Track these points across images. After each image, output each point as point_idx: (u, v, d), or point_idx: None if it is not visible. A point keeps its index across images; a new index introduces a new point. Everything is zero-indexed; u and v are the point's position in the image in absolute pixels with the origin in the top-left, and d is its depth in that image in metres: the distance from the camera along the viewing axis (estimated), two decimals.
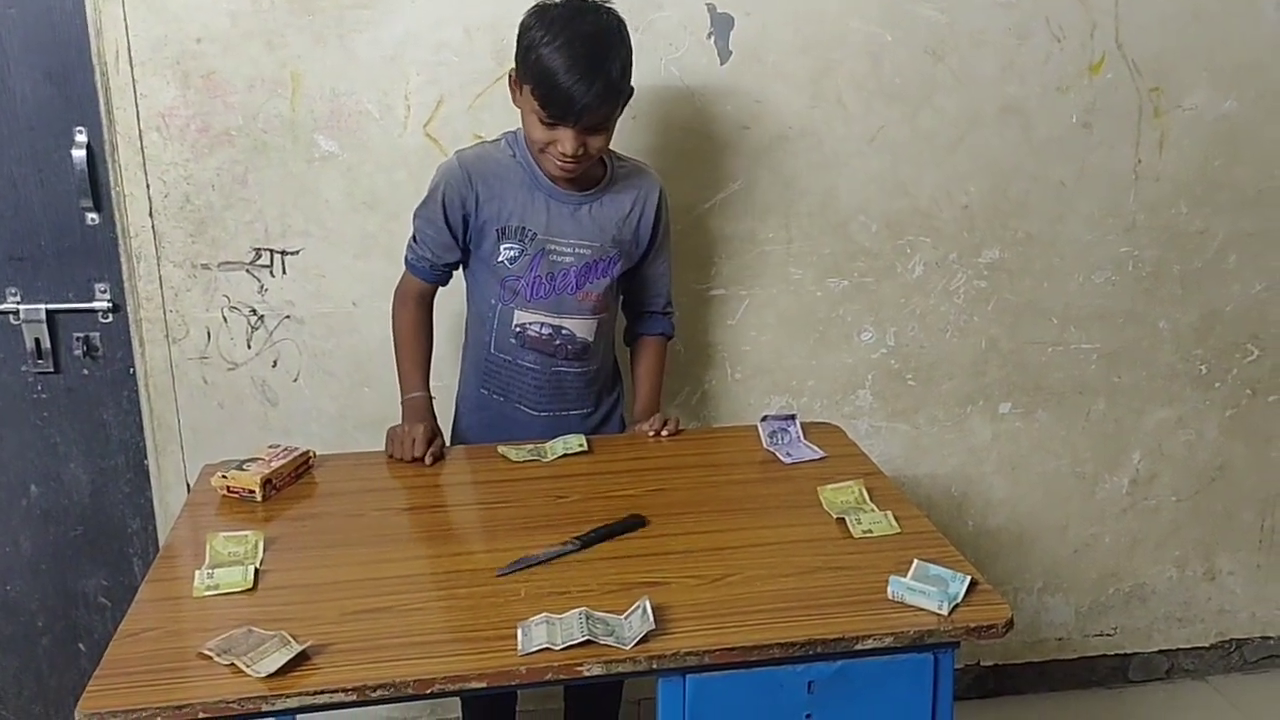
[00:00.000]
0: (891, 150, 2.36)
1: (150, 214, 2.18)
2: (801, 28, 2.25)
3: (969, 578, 1.51)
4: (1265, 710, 2.83)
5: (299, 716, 1.35)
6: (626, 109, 1.99)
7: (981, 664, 2.81)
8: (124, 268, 2.23)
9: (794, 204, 2.36)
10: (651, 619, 1.39)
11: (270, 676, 1.31)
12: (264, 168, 2.18)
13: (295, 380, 2.31)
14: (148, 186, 2.16)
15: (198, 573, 1.54)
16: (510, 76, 1.86)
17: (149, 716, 1.28)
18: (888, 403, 2.55)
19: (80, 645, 2.49)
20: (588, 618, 1.40)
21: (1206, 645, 2.92)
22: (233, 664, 1.33)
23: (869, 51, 2.29)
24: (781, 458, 1.96)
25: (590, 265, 1.99)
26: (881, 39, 2.28)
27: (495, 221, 1.95)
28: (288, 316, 2.27)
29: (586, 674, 1.36)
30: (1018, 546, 2.73)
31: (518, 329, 2.01)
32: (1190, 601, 2.87)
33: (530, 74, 1.78)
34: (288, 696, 1.30)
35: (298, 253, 2.24)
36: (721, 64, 2.25)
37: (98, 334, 2.30)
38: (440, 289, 2.08)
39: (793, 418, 2.04)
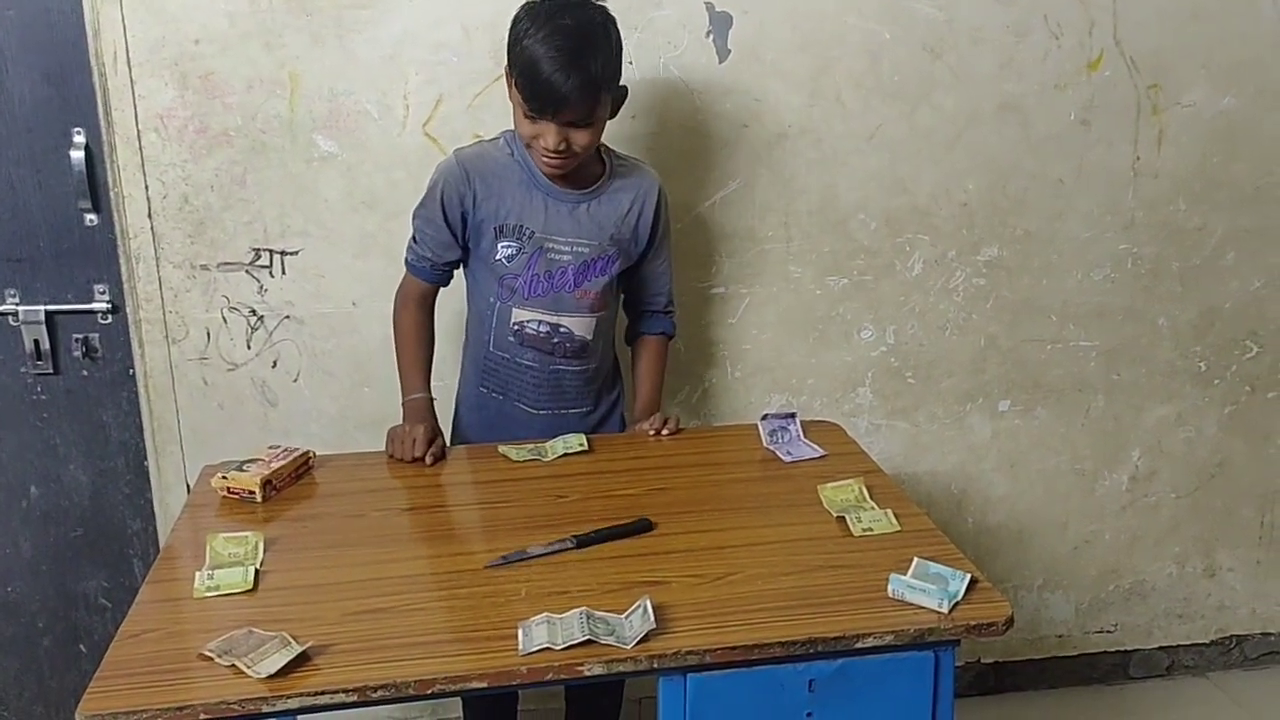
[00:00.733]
0: (890, 148, 2.36)
1: (149, 215, 2.18)
2: (800, 26, 2.25)
3: (969, 575, 1.51)
4: (1266, 706, 2.83)
5: (300, 717, 1.35)
6: (625, 109, 2.00)
7: (982, 661, 2.81)
8: (123, 269, 2.23)
9: (793, 202, 2.36)
10: (652, 618, 1.39)
11: (271, 677, 1.31)
12: (263, 168, 2.18)
13: (295, 381, 2.31)
14: (146, 187, 2.16)
15: (198, 574, 1.54)
16: (505, 72, 1.88)
17: (150, 718, 1.28)
18: (887, 401, 2.55)
19: (81, 646, 2.49)
20: (588, 617, 1.40)
21: (1207, 642, 2.93)
22: (233, 665, 1.33)
23: (867, 49, 2.29)
24: (782, 456, 1.96)
25: (589, 263, 2.00)
26: (880, 36, 2.28)
27: (493, 220, 1.95)
28: (287, 317, 2.27)
29: (587, 674, 1.36)
30: (1018, 544, 2.74)
31: (516, 327, 2.02)
32: (1190, 598, 2.87)
33: (515, 66, 1.81)
34: (288, 697, 1.30)
35: (297, 253, 2.24)
36: (720, 62, 2.25)
37: (97, 335, 2.30)
38: (441, 289, 2.08)
39: (793, 416, 2.04)
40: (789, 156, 2.33)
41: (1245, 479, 2.78)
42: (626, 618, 1.42)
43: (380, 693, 1.32)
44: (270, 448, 1.91)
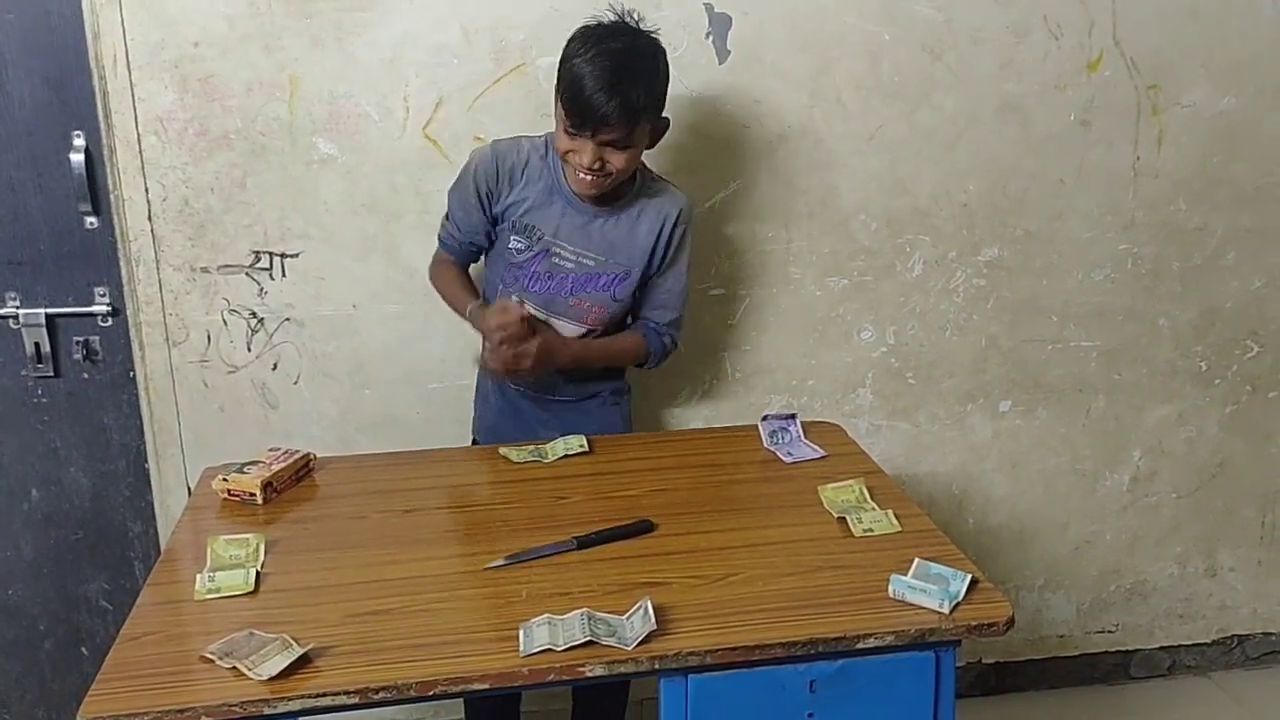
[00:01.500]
0: (890, 149, 2.36)
1: (149, 217, 2.18)
2: (799, 27, 2.25)
3: (970, 576, 1.51)
4: (1267, 705, 2.83)
5: (301, 719, 1.35)
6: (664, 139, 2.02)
7: (983, 661, 2.81)
8: (123, 271, 2.23)
9: (793, 203, 2.36)
10: (653, 619, 1.39)
11: (272, 679, 1.31)
12: (263, 171, 2.18)
13: (295, 383, 2.31)
14: (146, 190, 2.16)
15: (199, 576, 1.55)
16: (555, 89, 1.89)
17: None
18: (888, 401, 2.55)
19: (82, 649, 2.49)
20: (589, 618, 1.40)
21: (1208, 641, 2.93)
22: (235, 667, 1.33)
23: (867, 50, 2.29)
24: (782, 457, 1.96)
25: (590, 276, 2.02)
26: (880, 37, 2.28)
27: (512, 214, 2.01)
28: (288, 319, 2.27)
29: (589, 675, 1.36)
30: (1018, 544, 2.74)
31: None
32: (1191, 598, 2.87)
33: (562, 83, 1.84)
34: (290, 699, 1.30)
35: (297, 255, 2.24)
36: (720, 64, 2.25)
37: (97, 338, 2.30)
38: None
39: (793, 417, 2.05)
40: (789, 157, 2.33)
41: (1246, 479, 2.78)
42: (628, 619, 1.42)
43: (382, 694, 1.32)
44: (271, 450, 1.91)
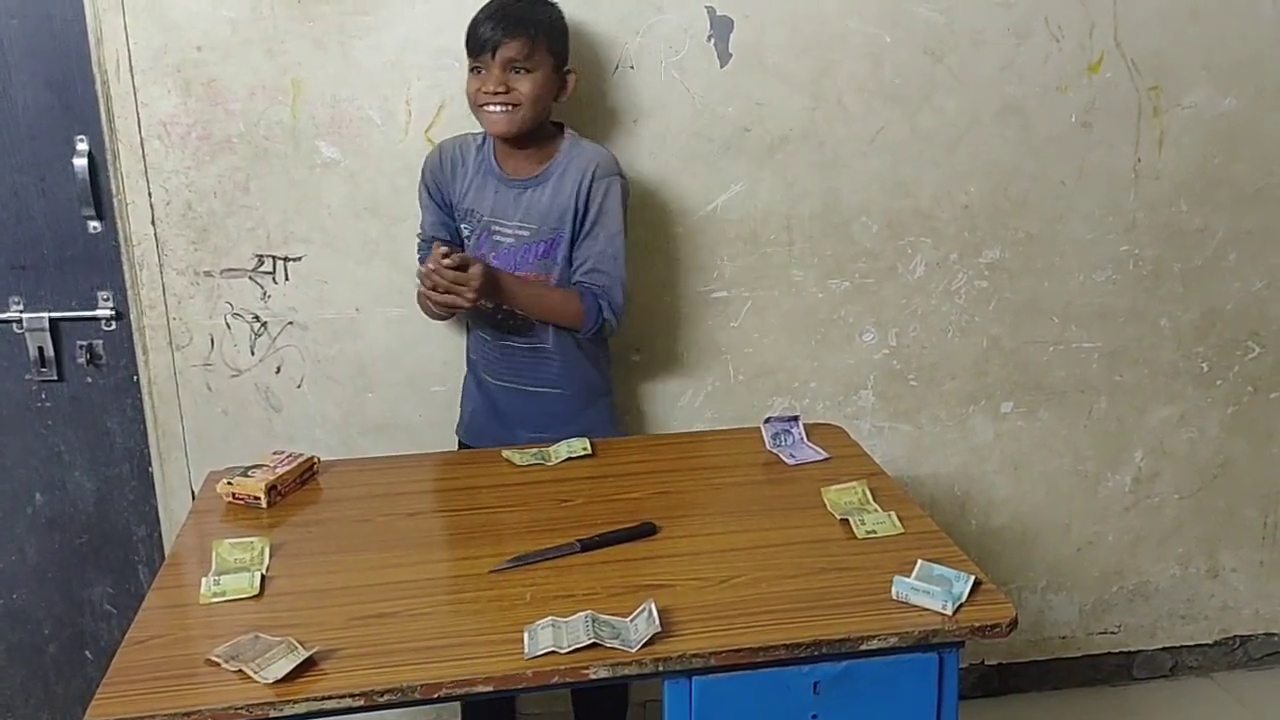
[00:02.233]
0: (892, 151, 2.36)
1: (152, 221, 2.18)
2: (801, 29, 2.26)
3: (973, 577, 1.51)
4: (1270, 706, 2.83)
5: None
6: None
7: (986, 663, 2.81)
8: (126, 275, 2.24)
9: (795, 205, 2.37)
10: (657, 621, 1.39)
11: (278, 682, 1.31)
12: (266, 174, 2.18)
13: (299, 386, 2.32)
14: (149, 194, 2.17)
15: (204, 579, 1.55)
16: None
17: None
18: (890, 403, 2.55)
19: (87, 653, 2.50)
20: (593, 621, 1.40)
21: (1210, 642, 2.93)
22: (240, 670, 1.33)
23: (868, 52, 2.29)
24: (785, 459, 1.96)
25: (527, 247, 2.05)
26: (881, 40, 2.29)
27: (459, 203, 2.09)
28: (291, 323, 2.28)
29: (593, 677, 1.37)
30: (1021, 545, 2.74)
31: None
32: (1194, 599, 2.87)
33: (466, 38, 1.97)
34: (295, 702, 1.31)
35: (300, 259, 2.24)
36: (722, 66, 2.25)
37: (101, 342, 2.30)
38: None
39: (795, 419, 2.05)
40: (791, 160, 2.33)
41: (1248, 479, 2.78)
42: (631, 621, 1.42)
43: (386, 697, 1.33)
44: (275, 453, 1.92)
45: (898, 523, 1.70)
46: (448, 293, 1.91)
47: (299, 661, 1.34)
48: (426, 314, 2.09)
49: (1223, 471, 2.76)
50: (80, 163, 2.18)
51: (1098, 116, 2.41)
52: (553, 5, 2.03)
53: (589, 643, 1.37)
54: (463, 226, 2.10)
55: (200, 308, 2.24)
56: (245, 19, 2.10)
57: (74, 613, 2.46)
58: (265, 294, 2.25)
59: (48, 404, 2.32)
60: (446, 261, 1.88)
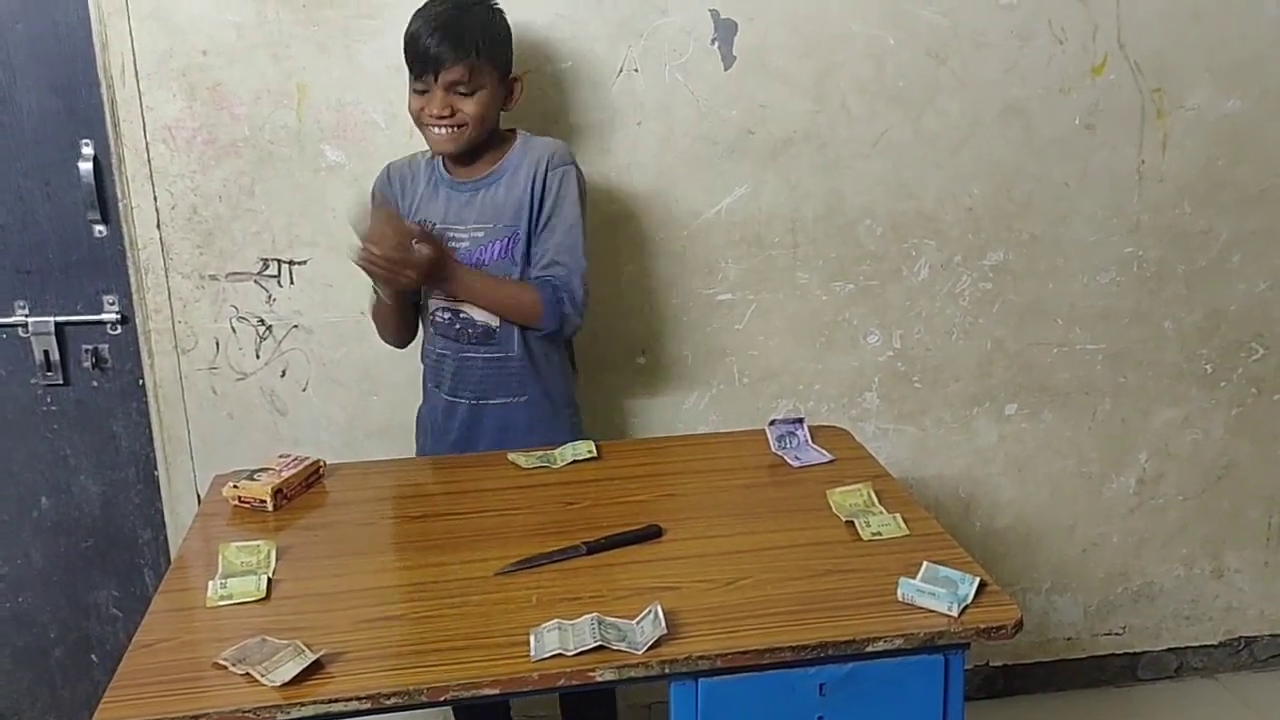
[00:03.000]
0: (895, 153, 2.37)
1: (158, 225, 2.19)
2: (804, 32, 2.26)
3: (978, 579, 1.51)
4: (1275, 707, 2.83)
5: None
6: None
7: (991, 664, 2.81)
8: (132, 279, 2.24)
9: (799, 208, 2.37)
10: (663, 623, 1.39)
11: (285, 685, 1.32)
12: (271, 178, 2.19)
13: (304, 390, 2.32)
14: (155, 198, 2.17)
15: (211, 583, 1.55)
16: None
17: None
18: (894, 405, 2.55)
19: (92, 656, 2.50)
20: (599, 623, 1.40)
21: (1215, 643, 2.92)
22: (247, 673, 1.34)
23: (871, 55, 2.30)
24: (790, 461, 1.96)
25: (484, 247, 1.99)
26: (884, 42, 2.29)
27: (408, 217, 2.00)
28: (296, 326, 2.28)
29: (599, 679, 1.37)
30: (1025, 547, 2.74)
31: (432, 316, 2.04)
32: (1198, 600, 2.87)
33: (404, 49, 1.91)
34: (302, 705, 1.31)
35: (305, 262, 2.25)
36: (726, 69, 2.26)
37: (106, 346, 2.31)
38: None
39: (800, 421, 2.05)
40: (795, 162, 2.34)
41: (1252, 481, 2.78)
42: (638, 623, 1.42)
43: (394, 700, 1.33)
44: (280, 456, 1.92)
45: (903, 525, 1.70)
46: (389, 271, 1.84)
47: (306, 664, 1.34)
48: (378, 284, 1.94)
49: (1227, 473, 2.76)
50: (85, 167, 2.18)
51: (1101, 118, 2.42)
52: (494, 10, 1.96)
53: (595, 645, 1.37)
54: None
55: (205, 311, 2.25)
56: (250, 23, 2.10)
57: (80, 616, 2.47)
58: (270, 297, 2.26)
59: (53, 408, 2.33)
60: (413, 228, 1.87)
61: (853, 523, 1.70)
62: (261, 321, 2.27)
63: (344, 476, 1.95)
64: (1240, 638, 2.93)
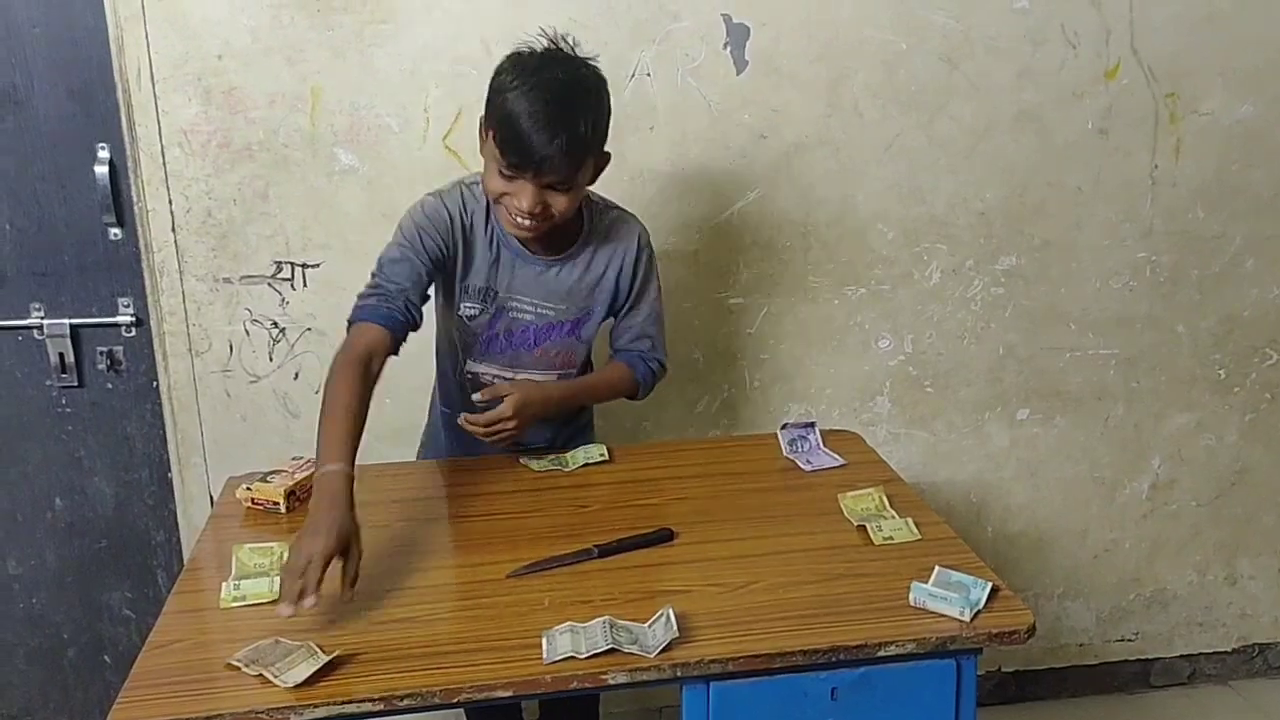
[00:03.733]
0: (908, 158, 2.37)
1: (172, 229, 2.20)
2: (816, 37, 2.26)
3: (990, 584, 1.51)
4: None
5: None
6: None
7: (1003, 670, 2.81)
8: (147, 282, 2.25)
9: (811, 212, 2.37)
10: (675, 627, 1.40)
11: (298, 687, 1.32)
12: (285, 182, 2.20)
13: (317, 392, 2.31)
14: (170, 201, 2.18)
15: (224, 584, 1.55)
16: (480, 123, 1.76)
17: None
18: (906, 410, 2.55)
19: (105, 657, 2.51)
20: (612, 626, 1.40)
21: (1228, 650, 2.91)
22: (261, 674, 1.34)
23: (884, 59, 2.30)
24: (801, 465, 1.96)
25: (552, 326, 1.92)
26: (896, 47, 2.29)
27: (460, 275, 1.87)
28: (309, 329, 2.29)
29: (611, 682, 1.37)
30: (1037, 552, 2.73)
31: (471, 375, 1.97)
32: (1212, 606, 2.86)
33: (494, 118, 1.69)
34: (315, 706, 1.31)
35: (318, 266, 2.25)
36: (738, 74, 2.26)
37: (121, 348, 2.32)
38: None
39: (812, 425, 2.05)
40: (807, 167, 2.34)
41: (1266, 486, 2.77)
42: (650, 626, 1.43)
43: (406, 702, 1.33)
44: (293, 459, 1.92)
45: (914, 529, 1.70)
46: (492, 436, 1.84)
47: (319, 666, 1.34)
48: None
49: (1240, 479, 2.75)
50: (101, 170, 2.20)
51: (1114, 123, 2.41)
52: (603, 92, 1.74)
53: (607, 648, 1.37)
54: (465, 305, 1.88)
55: (219, 314, 2.26)
56: (265, 27, 2.11)
57: (93, 617, 2.48)
58: (284, 300, 2.27)
59: (68, 410, 2.34)
60: (478, 397, 1.86)
61: (864, 527, 1.70)
62: (275, 324, 2.28)
63: (356, 479, 1.94)
64: (1254, 644, 2.92)
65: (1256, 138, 2.47)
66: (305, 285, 2.26)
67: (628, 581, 1.57)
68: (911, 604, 1.49)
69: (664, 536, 1.69)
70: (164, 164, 2.16)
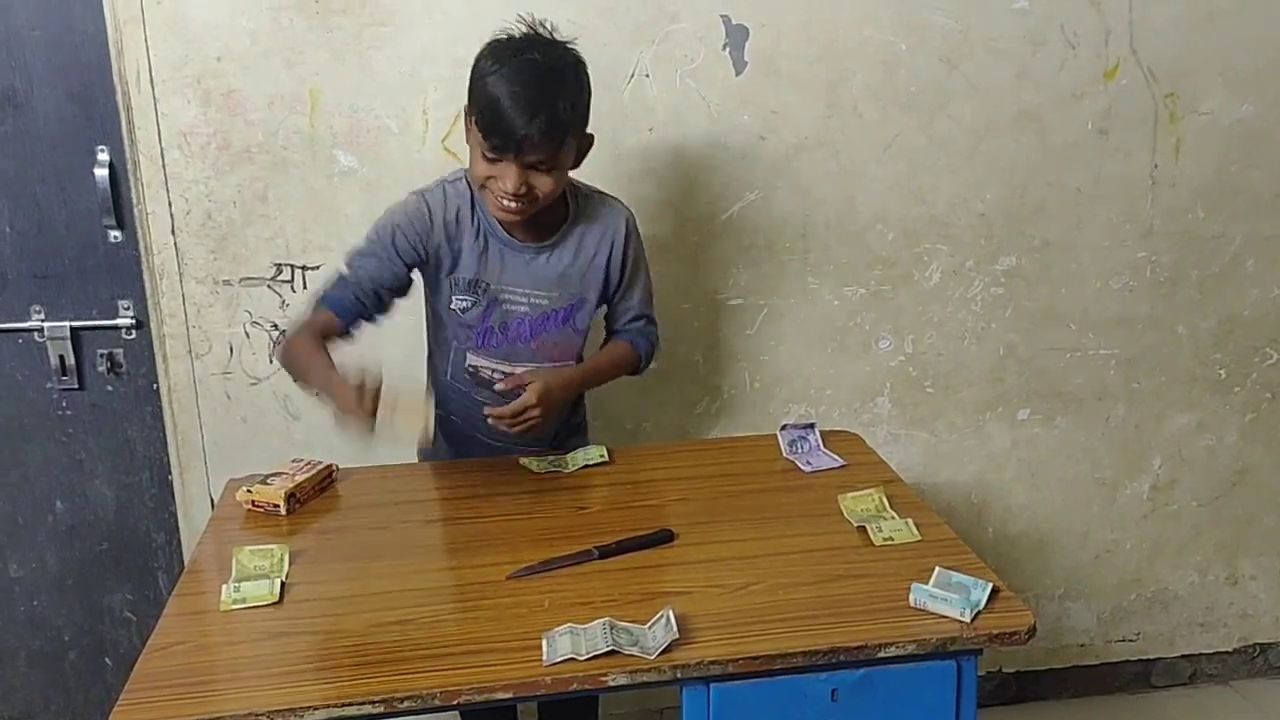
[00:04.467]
0: (908, 158, 2.37)
1: (172, 231, 2.20)
2: (816, 38, 2.26)
3: (991, 585, 1.51)
4: None
5: None
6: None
7: (1004, 671, 2.81)
8: (147, 284, 2.25)
9: (811, 213, 2.37)
10: (675, 628, 1.40)
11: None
12: (284, 184, 2.20)
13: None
14: (170, 204, 2.18)
15: (224, 587, 1.55)
16: (464, 113, 1.80)
17: None
18: (906, 410, 2.55)
19: (106, 660, 2.51)
20: (612, 628, 1.40)
21: (1230, 650, 2.91)
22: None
23: (883, 60, 2.30)
24: (801, 466, 1.96)
25: (547, 315, 1.93)
26: (896, 47, 2.29)
27: (449, 270, 1.88)
28: None
29: (611, 684, 1.37)
30: (1038, 553, 2.73)
31: (470, 369, 1.97)
32: (1213, 606, 2.86)
33: (476, 103, 1.72)
34: (315, 709, 1.31)
35: (318, 268, 2.25)
36: (737, 74, 2.26)
37: (121, 350, 2.32)
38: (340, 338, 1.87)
39: (812, 426, 2.05)
40: (806, 168, 2.34)
41: (1267, 486, 2.77)
42: (650, 628, 1.43)
43: (407, 703, 1.33)
44: (293, 461, 1.93)
45: (915, 530, 1.70)
46: (518, 427, 1.85)
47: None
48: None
49: (1241, 479, 2.75)
50: (101, 173, 2.20)
51: (1114, 123, 2.41)
52: (581, 74, 1.77)
53: (607, 649, 1.37)
54: (457, 298, 1.89)
55: (219, 316, 2.26)
56: (264, 30, 2.11)
57: (94, 620, 2.48)
58: (284, 302, 2.27)
59: (68, 412, 2.34)
60: (500, 387, 1.87)
61: (864, 528, 1.70)
62: (275, 326, 2.28)
63: (357, 481, 1.96)
64: (1255, 644, 2.92)
65: (1256, 138, 2.47)
66: (305, 287, 2.26)
67: (628, 583, 1.57)
68: (912, 605, 1.49)
69: (664, 538, 1.69)
70: (163, 166, 2.16)
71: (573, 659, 1.36)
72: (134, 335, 2.31)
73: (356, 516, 1.82)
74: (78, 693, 2.53)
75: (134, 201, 2.21)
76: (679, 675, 1.39)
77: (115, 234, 2.25)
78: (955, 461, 2.62)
